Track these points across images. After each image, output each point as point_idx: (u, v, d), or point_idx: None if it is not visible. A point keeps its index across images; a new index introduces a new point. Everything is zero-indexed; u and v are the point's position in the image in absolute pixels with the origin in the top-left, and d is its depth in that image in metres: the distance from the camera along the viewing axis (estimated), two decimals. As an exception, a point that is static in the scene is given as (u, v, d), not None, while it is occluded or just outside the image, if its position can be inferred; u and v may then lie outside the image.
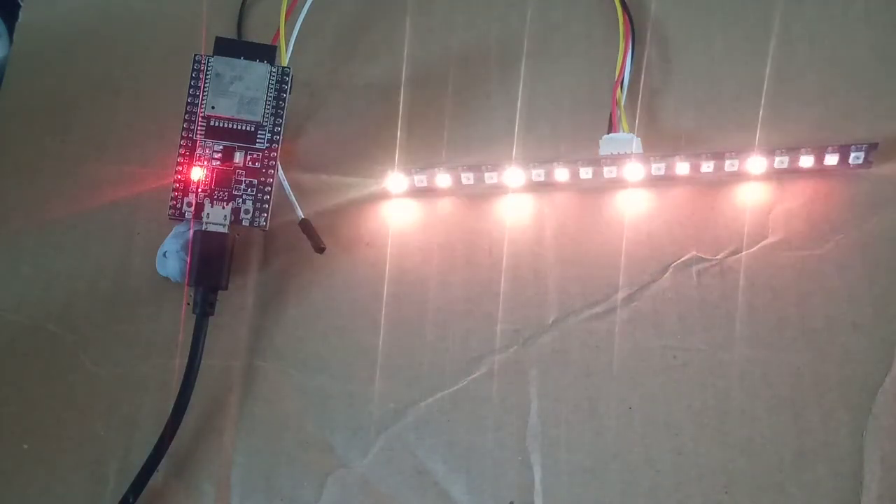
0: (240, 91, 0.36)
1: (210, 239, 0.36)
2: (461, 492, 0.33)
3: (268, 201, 0.37)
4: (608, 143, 0.37)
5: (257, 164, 0.37)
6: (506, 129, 0.39)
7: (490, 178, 0.37)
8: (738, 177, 0.37)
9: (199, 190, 0.36)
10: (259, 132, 0.37)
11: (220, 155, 0.37)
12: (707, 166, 0.36)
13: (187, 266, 0.36)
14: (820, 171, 0.36)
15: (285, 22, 0.39)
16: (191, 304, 0.36)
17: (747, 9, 0.40)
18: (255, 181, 0.37)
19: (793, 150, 0.36)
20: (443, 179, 0.38)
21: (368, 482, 0.34)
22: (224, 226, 0.36)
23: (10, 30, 0.45)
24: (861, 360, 0.34)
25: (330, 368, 0.36)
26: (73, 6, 0.45)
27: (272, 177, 0.37)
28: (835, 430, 0.33)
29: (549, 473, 0.33)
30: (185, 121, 0.37)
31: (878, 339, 0.34)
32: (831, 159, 0.36)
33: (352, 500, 0.34)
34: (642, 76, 0.40)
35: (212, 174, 0.37)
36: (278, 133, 0.37)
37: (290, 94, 0.37)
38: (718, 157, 0.36)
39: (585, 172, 0.37)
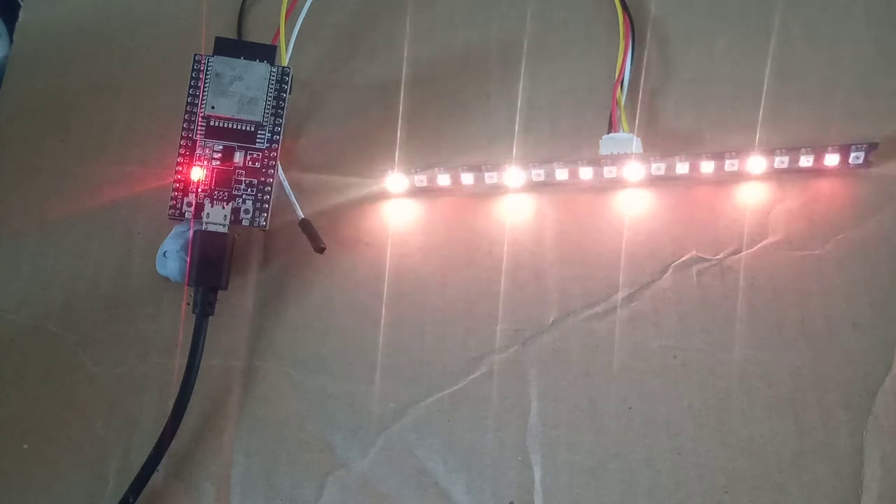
0: (240, 91, 0.36)
1: (210, 239, 0.36)
2: (461, 492, 0.33)
3: (268, 201, 0.37)
4: (608, 143, 0.37)
5: (257, 164, 0.37)
6: (506, 128, 0.39)
7: (490, 177, 0.37)
8: (738, 177, 0.37)
9: (199, 190, 0.36)
10: (259, 132, 0.37)
11: (220, 155, 0.37)
12: (707, 166, 0.36)
13: (187, 266, 0.36)
14: (820, 171, 0.36)
15: (285, 22, 0.39)
16: (191, 304, 0.36)
17: (747, 9, 0.40)
18: (255, 181, 0.37)
19: (793, 150, 0.36)
20: (442, 179, 0.38)
21: (368, 482, 0.34)
22: (224, 226, 0.36)
23: (10, 30, 0.45)
24: (861, 360, 0.33)
25: (330, 368, 0.36)
26: (73, 6, 0.45)
27: (272, 177, 0.37)
28: (835, 430, 0.33)
29: (549, 473, 0.33)
30: (185, 121, 0.37)
31: (878, 339, 0.34)
32: (831, 159, 0.36)
33: (352, 500, 0.34)
34: (642, 76, 0.40)
35: (212, 174, 0.37)
36: (278, 133, 0.37)
37: (290, 94, 0.37)
38: (718, 157, 0.36)
39: (585, 172, 0.37)
